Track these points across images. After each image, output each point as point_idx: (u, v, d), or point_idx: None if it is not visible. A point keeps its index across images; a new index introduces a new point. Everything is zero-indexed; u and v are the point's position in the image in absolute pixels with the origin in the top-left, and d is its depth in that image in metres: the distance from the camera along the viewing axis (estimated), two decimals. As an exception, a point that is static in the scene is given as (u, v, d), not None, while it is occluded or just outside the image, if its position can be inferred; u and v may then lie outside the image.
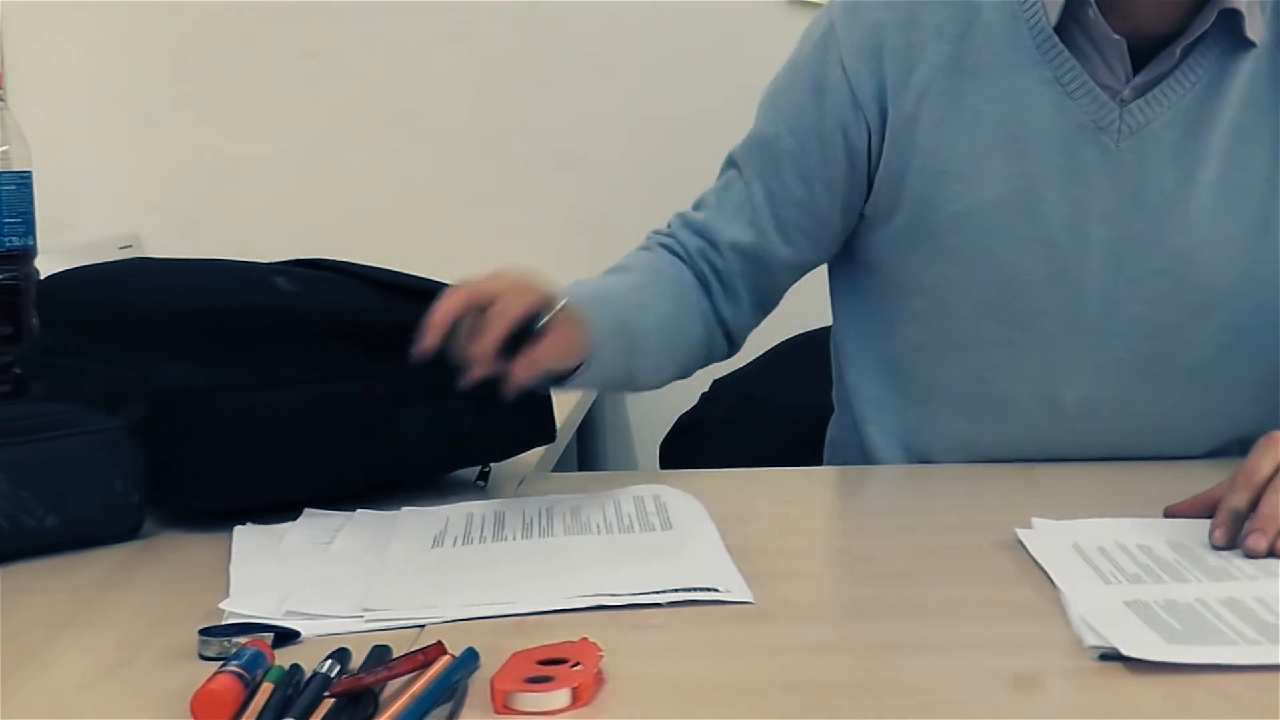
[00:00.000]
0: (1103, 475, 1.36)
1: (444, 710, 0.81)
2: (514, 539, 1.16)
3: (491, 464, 1.40)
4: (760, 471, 1.43)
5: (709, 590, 1.00)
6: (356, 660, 0.88)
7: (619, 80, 2.51)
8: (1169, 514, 1.16)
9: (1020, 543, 1.09)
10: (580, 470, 2.46)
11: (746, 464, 1.47)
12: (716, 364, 2.09)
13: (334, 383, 1.28)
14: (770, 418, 1.83)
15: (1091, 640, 0.87)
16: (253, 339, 1.25)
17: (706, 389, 1.94)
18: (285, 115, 2.55)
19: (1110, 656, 0.86)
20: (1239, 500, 1.08)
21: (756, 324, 1.53)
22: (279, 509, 1.24)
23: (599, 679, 0.85)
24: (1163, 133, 1.36)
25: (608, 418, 2.56)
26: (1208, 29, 1.35)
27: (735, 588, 1.01)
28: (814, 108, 1.42)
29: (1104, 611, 0.93)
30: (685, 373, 1.49)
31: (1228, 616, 0.92)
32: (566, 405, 1.94)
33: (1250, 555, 1.04)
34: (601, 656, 0.86)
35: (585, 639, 0.88)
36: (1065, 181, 1.37)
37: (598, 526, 1.18)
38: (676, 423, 1.91)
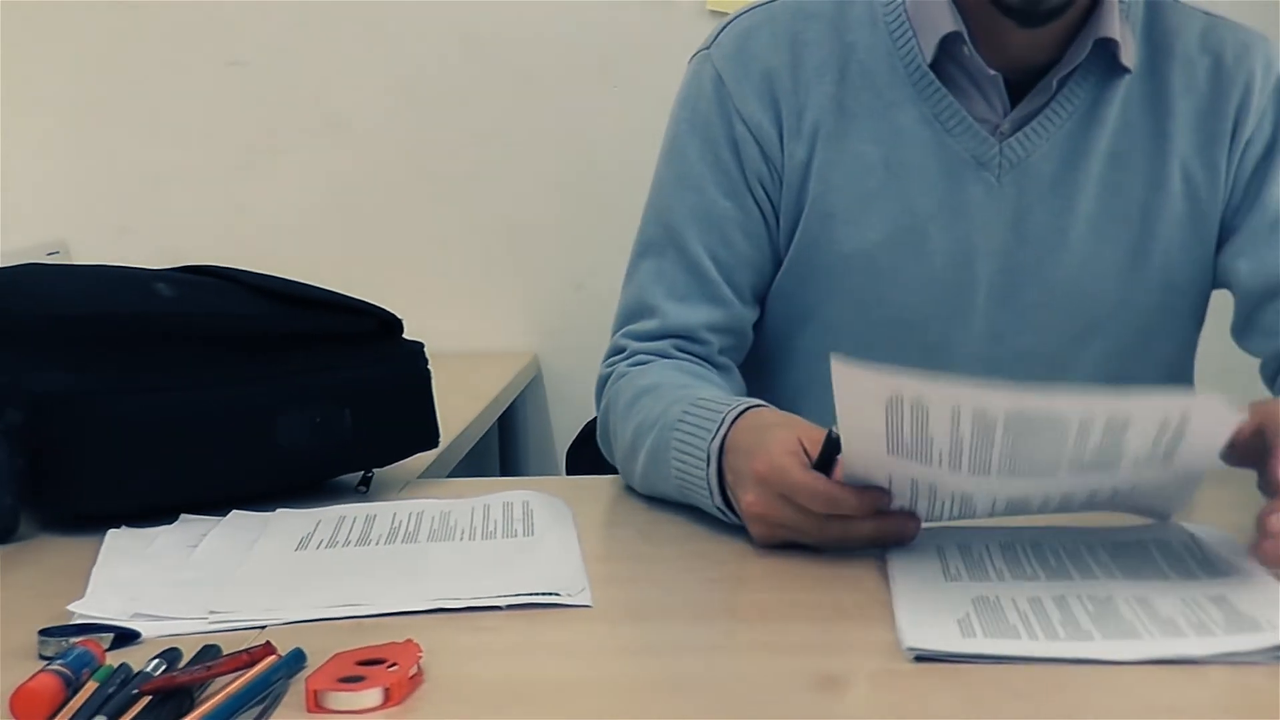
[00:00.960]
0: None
1: (259, 709, 0.83)
2: (378, 543, 1.18)
3: (376, 470, 1.42)
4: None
5: (548, 594, 1.02)
6: (187, 660, 0.90)
7: (543, 90, 2.53)
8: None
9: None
10: (503, 475, 2.48)
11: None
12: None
13: (210, 388, 1.30)
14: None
15: (909, 641, 0.90)
16: (127, 344, 1.27)
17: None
18: (212, 123, 2.56)
19: (924, 658, 0.88)
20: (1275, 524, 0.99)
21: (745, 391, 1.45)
22: (158, 513, 1.26)
23: (416, 679, 0.87)
24: (1042, 164, 1.37)
25: (530, 423, 2.57)
26: (1082, 59, 1.36)
27: (576, 592, 1.03)
28: (735, 163, 1.40)
29: (927, 611, 0.95)
30: None
31: (1051, 613, 0.94)
32: (473, 409, 1.97)
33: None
34: (420, 657, 0.88)
35: (410, 640, 0.90)
36: (949, 219, 1.38)
37: (462, 532, 1.20)
38: (581, 431, 1.93)
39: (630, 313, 1.44)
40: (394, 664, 0.86)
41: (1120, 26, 1.36)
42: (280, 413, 1.33)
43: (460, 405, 2.01)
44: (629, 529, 1.26)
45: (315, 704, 0.83)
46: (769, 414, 1.18)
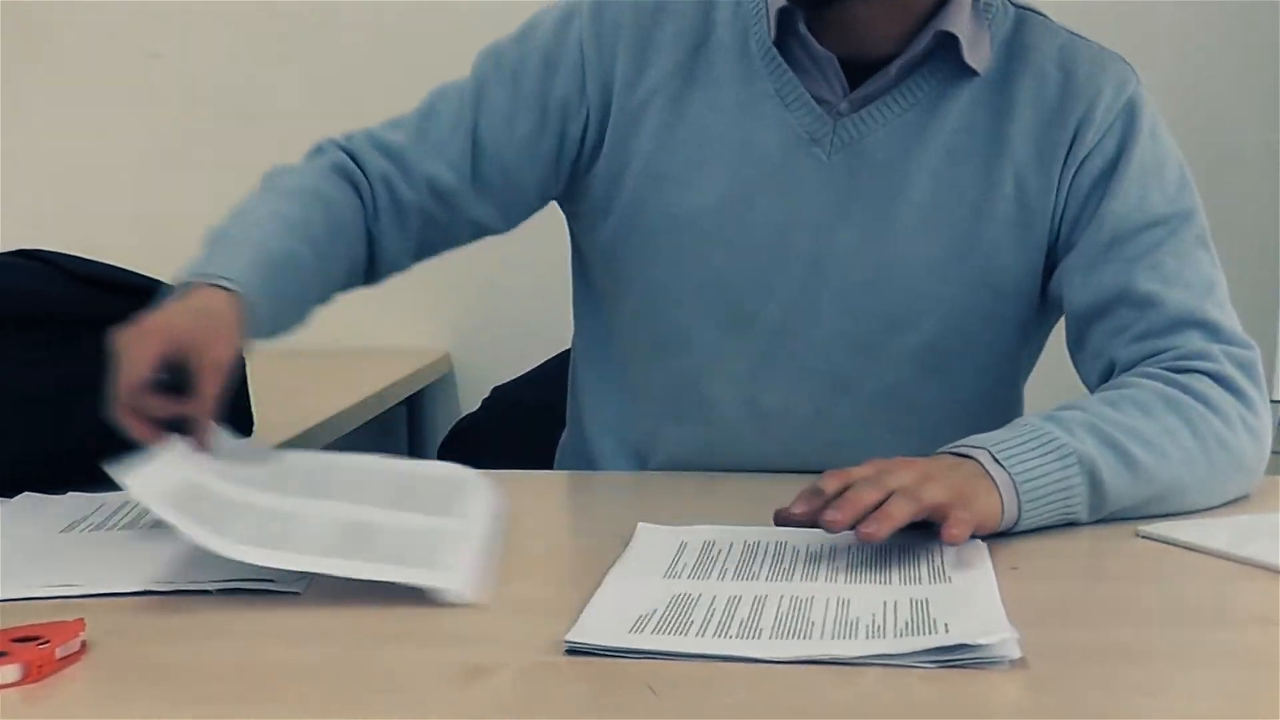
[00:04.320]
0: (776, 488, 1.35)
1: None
2: (144, 527, 1.17)
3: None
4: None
5: (257, 581, 1.01)
6: None
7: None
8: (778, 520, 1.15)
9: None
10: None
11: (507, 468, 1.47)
12: (499, 372, 2.13)
13: (7, 368, 1.30)
14: (539, 425, 1.84)
15: (568, 635, 0.88)
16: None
17: (487, 395, 1.96)
18: (129, 114, 2.57)
19: (576, 651, 0.87)
20: (828, 484, 1.09)
21: (406, 267, 1.47)
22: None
23: (72, 658, 0.86)
24: (875, 149, 1.37)
25: (440, 419, 2.56)
26: (931, 54, 1.36)
27: (282, 576, 1.02)
28: (542, 76, 1.41)
29: (615, 607, 0.94)
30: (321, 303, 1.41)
31: (739, 612, 0.93)
32: (344, 401, 1.96)
33: (829, 528, 1.05)
34: (81, 635, 0.88)
35: (81, 620, 0.90)
36: (777, 191, 1.38)
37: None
38: (453, 428, 1.92)
39: (395, 122, 1.45)
40: (46, 641, 0.86)
41: (972, 28, 1.36)
42: (79, 395, 1.32)
43: (336, 397, 2.01)
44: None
45: (-46, 678, 0.82)
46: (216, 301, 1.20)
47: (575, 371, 1.57)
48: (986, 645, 0.85)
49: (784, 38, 1.37)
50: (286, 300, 1.30)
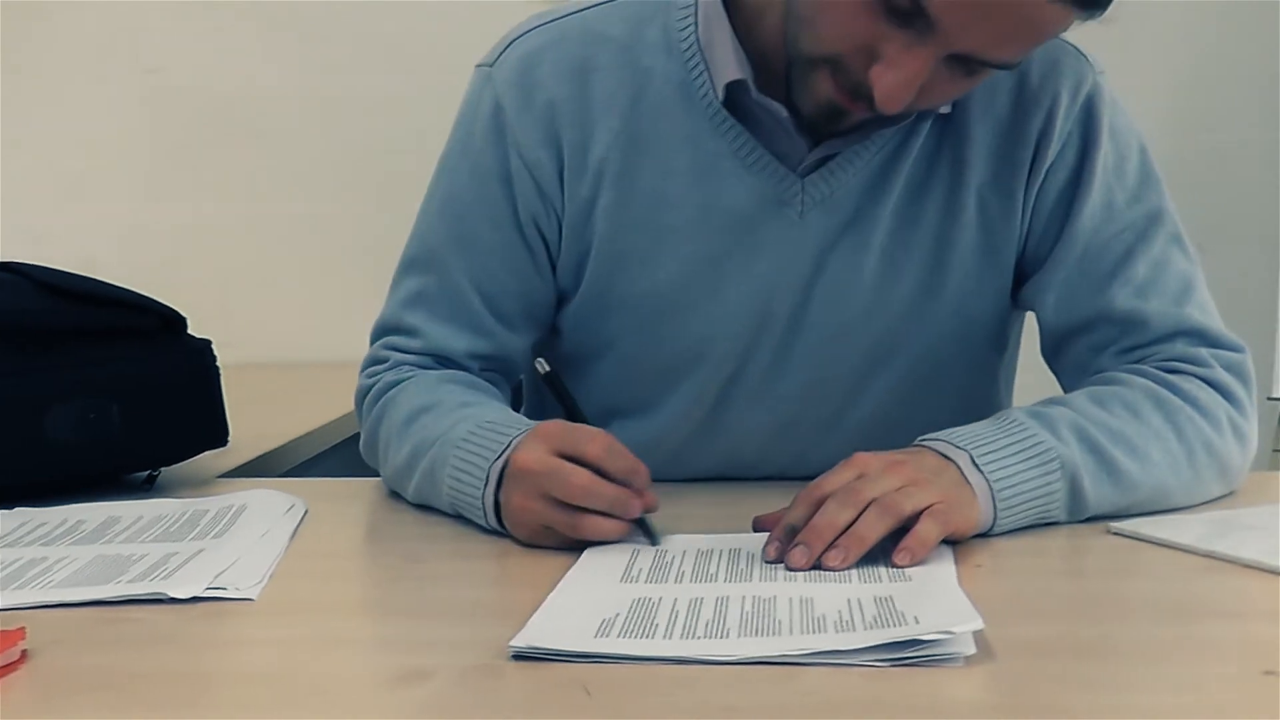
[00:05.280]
0: (745, 495, 1.32)
1: None
2: (84, 541, 1.17)
3: (163, 466, 1.41)
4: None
5: (216, 589, 1.01)
6: None
7: (455, 99, 2.51)
8: (756, 527, 1.15)
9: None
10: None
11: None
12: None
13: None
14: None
15: (514, 639, 0.87)
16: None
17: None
18: (126, 128, 2.57)
19: (522, 656, 0.86)
20: (795, 516, 1.07)
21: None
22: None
23: (10, 667, 0.86)
24: (845, 200, 1.31)
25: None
26: None
27: (244, 585, 1.01)
28: (505, 197, 1.33)
29: (571, 612, 0.93)
30: None
31: (703, 613, 0.92)
32: (323, 417, 1.96)
33: (792, 569, 1.03)
34: (19, 644, 0.87)
35: (22, 628, 0.89)
36: (747, 256, 1.32)
37: (165, 532, 1.19)
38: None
39: (389, 327, 1.40)
40: (-20, 649, 0.85)
41: None
42: (48, 406, 1.33)
43: (331, 408, 2.00)
44: (357, 529, 1.25)
45: (-113, 688, 0.82)
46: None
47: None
48: (945, 640, 0.84)
49: (736, 93, 1.29)
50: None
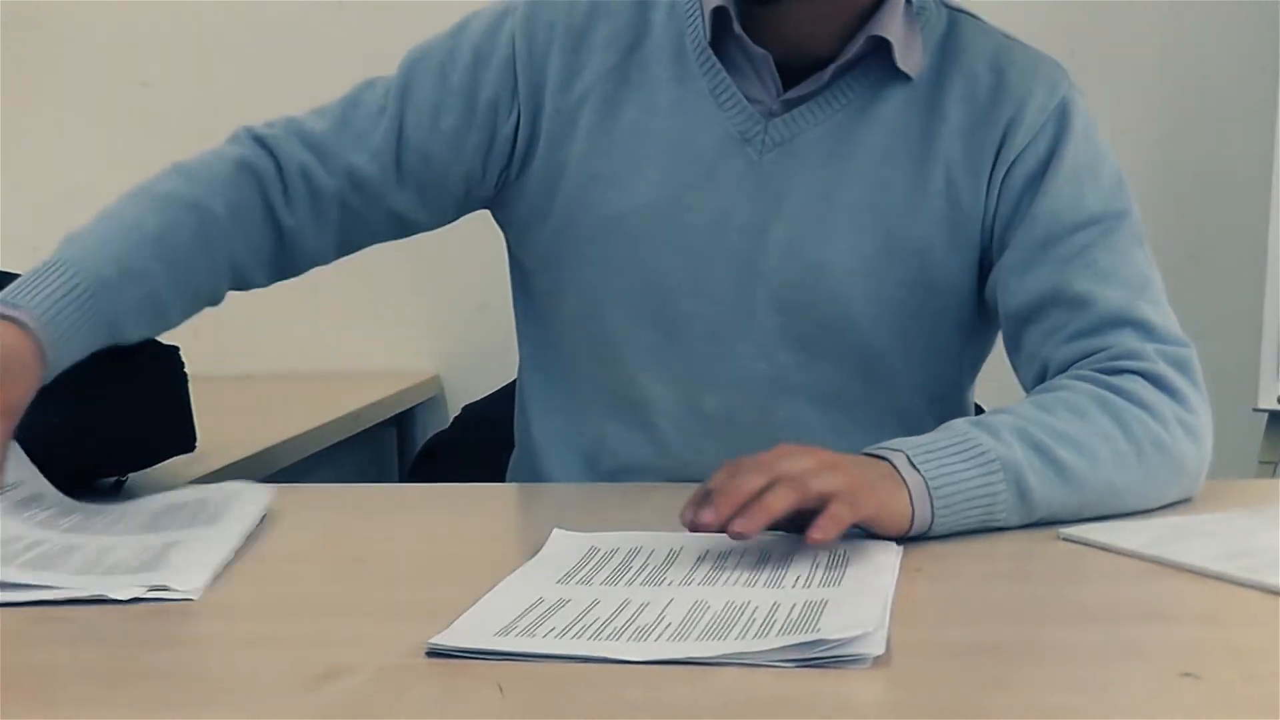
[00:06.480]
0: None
1: None
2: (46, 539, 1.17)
3: (131, 472, 1.42)
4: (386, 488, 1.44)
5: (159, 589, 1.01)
6: None
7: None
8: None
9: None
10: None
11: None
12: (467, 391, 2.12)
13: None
14: (506, 442, 1.84)
15: (433, 638, 0.87)
16: None
17: (458, 413, 1.96)
18: (120, 142, 2.59)
19: (436, 654, 0.86)
20: (714, 481, 1.07)
21: (329, 260, 1.47)
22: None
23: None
24: (807, 149, 1.37)
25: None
26: (865, 57, 1.36)
27: (186, 584, 1.02)
28: (472, 71, 1.41)
29: (494, 610, 0.93)
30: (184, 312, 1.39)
31: (622, 614, 0.93)
32: (306, 423, 1.97)
33: (697, 529, 1.04)
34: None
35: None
36: (709, 191, 1.38)
37: (141, 525, 1.20)
38: (423, 447, 1.93)
39: (320, 110, 1.45)
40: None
41: (905, 32, 1.36)
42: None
43: (322, 414, 2.02)
44: (319, 530, 1.26)
45: None
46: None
47: (522, 385, 1.56)
48: (848, 641, 0.83)
49: (720, 38, 1.37)
50: (112, 321, 1.29)
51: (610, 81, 1.40)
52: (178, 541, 1.13)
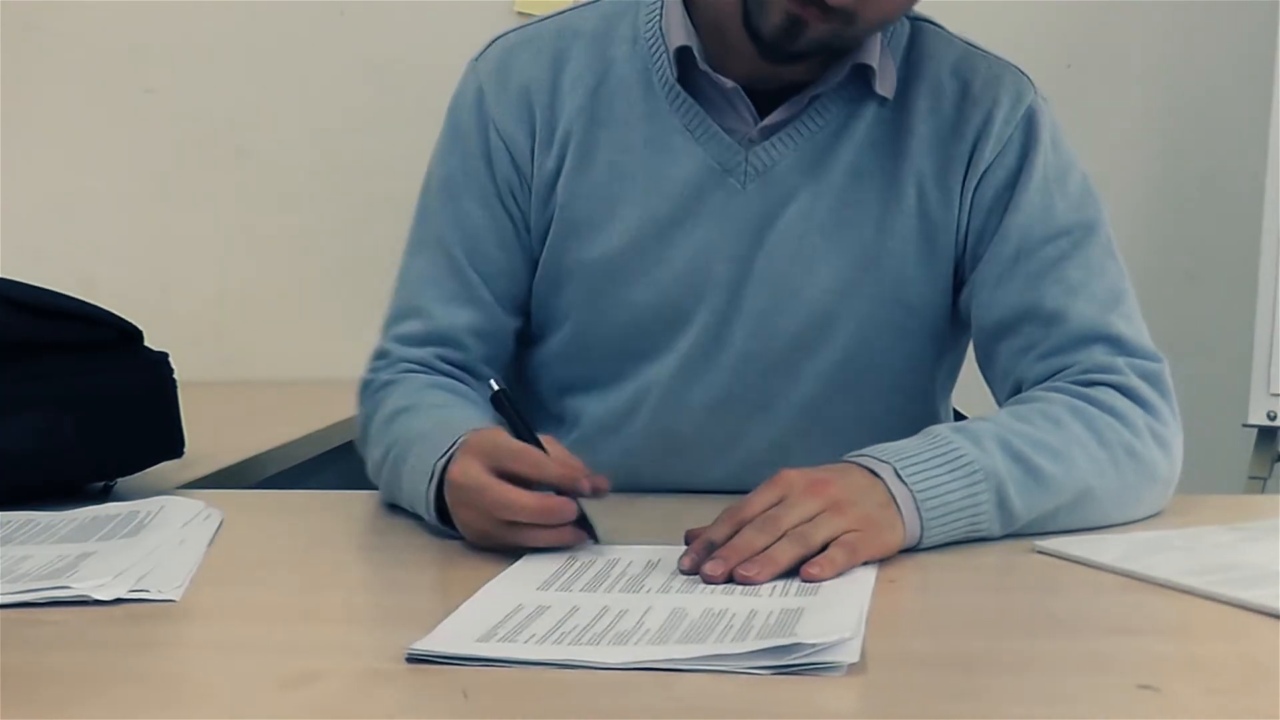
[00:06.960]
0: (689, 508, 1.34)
1: None
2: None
3: (119, 477, 1.43)
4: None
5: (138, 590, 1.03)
6: None
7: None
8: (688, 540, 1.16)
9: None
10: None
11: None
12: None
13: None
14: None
15: (413, 643, 0.88)
16: None
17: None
18: (123, 149, 2.61)
19: (416, 659, 0.87)
20: (717, 533, 1.08)
21: None
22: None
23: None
24: (787, 174, 1.38)
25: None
26: (837, 80, 1.36)
27: (166, 588, 1.03)
28: (488, 175, 1.42)
29: (475, 616, 0.94)
30: None
31: (602, 620, 0.93)
32: (296, 430, 1.98)
33: (707, 581, 1.04)
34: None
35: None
36: (692, 224, 1.39)
37: (96, 534, 1.21)
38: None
39: (399, 313, 1.46)
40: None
41: (881, 55, 1.37)
42: (10, 418, 1.35)
43: (313, 421, 2.03)
44: (306, 538, 1.27)
45: None
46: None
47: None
48: (824, 647, 0.84)
49: (686, 72, 1.37)
50: None
51: (581, 125, 1.40)
52: (94, 551, 1.14)
